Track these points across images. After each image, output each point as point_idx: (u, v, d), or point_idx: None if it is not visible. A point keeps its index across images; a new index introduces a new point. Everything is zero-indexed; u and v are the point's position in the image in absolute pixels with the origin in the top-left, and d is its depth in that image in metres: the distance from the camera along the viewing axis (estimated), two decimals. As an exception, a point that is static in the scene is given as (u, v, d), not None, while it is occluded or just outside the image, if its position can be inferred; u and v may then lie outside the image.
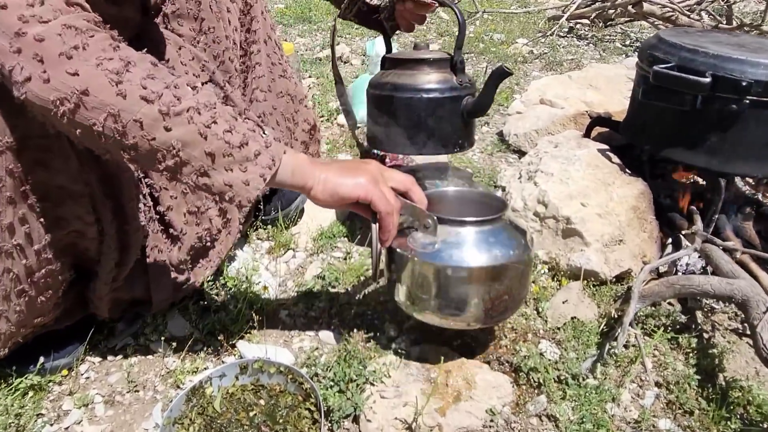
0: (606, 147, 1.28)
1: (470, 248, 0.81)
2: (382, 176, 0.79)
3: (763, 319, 0.78)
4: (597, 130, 1.48)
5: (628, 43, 2.98)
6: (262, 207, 1.23)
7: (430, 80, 1.07)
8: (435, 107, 1.07)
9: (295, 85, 1.22)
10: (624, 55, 2.71)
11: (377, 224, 0.80)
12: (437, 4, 1.08)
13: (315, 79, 2.27)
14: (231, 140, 0.67)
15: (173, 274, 0.96)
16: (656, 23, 2.78)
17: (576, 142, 1.34)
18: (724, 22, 2.64)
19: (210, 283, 1.04)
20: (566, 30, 3.11)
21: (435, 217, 0.81)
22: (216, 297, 1.04)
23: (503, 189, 1.36)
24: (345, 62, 2.52)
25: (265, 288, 1.06)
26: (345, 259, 1.19)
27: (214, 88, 1.02)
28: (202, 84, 0.98)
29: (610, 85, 1.78)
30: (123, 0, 0.82)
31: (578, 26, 3.17)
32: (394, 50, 1.26)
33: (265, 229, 1.26)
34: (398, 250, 0.85)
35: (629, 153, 1.30)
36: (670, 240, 1.17)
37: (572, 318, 0.98)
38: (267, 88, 1.15)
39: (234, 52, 1.07)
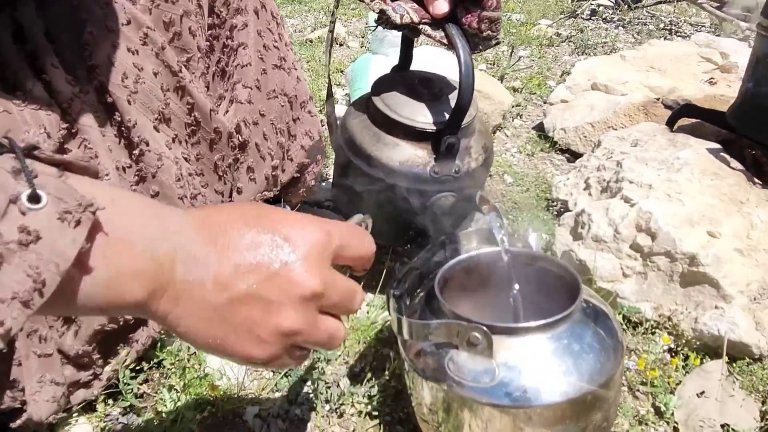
0: (717, 146, 0.90)
1: (548, 370, 0.51)
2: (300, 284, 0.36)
3: None
4: (681, 122, 1.10)
5: (662, 26, 2.61)
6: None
7: (401, 159, 0.72)
8: (392, 195, 0.74)
9: (297, 81, 0.82)
10: (662, 39, 2.34)
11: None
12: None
13: (305, 62, 1.88)
14: None
15: (66, 371, 0.57)
16: (699, 1, 2.41)
17: (666, 139, 0.96)
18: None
19: (130, 371, 0.65)
20: (589, 13, 2.74)
21: (486, 330, 0.49)
22: (142, 391, 0.65)
23: (564, 206, 0.98)
24: (341, 45, 2.13)
25: (208, 379, 0.67)
26: (346, 311, 0.80)
27: (165, 74, 0.63)
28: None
29: (679, 66, 1.40)
30: None
31: (601, 8, 2.81)
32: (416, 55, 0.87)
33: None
34: (429, 381, 0.53)
35: (734, 152, 0.93)
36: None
37: (723, 426, 0.60)
38: (254, 84, 0.75)
39: (198, 20, 0.68)
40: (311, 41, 2.11)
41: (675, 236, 0.72)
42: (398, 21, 0.66)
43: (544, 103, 1.52)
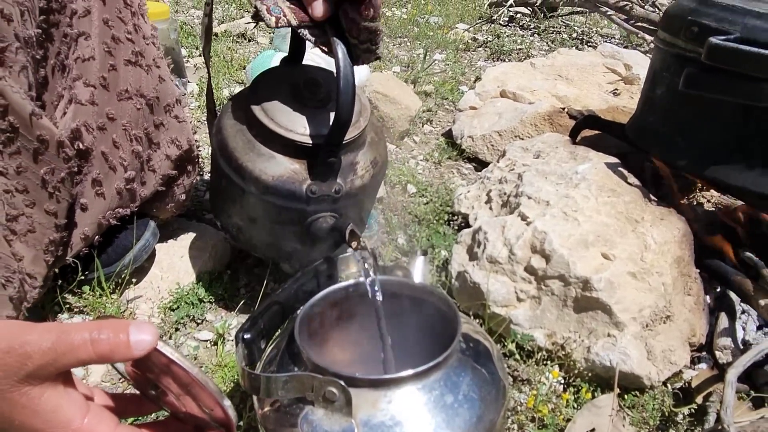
0: (615, 160, 0.88)
1: (415, 428, 0.44)
2: None
3: None
4: (586, 132, 1.08)
5: (574, 36, 2.67)
6: (78, 263, 0.70)
7: (275, 174, 0.64)
8: (269, 212, 0.67)
9: (159, 80, 0.71)
10: (574, 48, 2.39)
11: None
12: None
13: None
14: None
15: None
16: (609, 13, 2.48)
17: (567, 152, 0.92)
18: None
19: None
20: (506, 19, 2.76)
21: (343, 384, 0.42)
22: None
23: (465, 221, 0.92)
24: (249, 40, 2.00)
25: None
26: (216, 344, 0.70)
27: None
28: None
29: (585, 76, 1.40)
30: None
31: (519, 15, 2.85)
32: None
33: (79, 295, 0.73)
34: None
35: (632, 165, 0.91)
36: (708, 298, 0.78)
37: (611, 470, 0.55)
38: (99, 82, 0.63)
39: (24, 3, 0.55)
40: (216, 35, 1.98)
41: (569, 259, 0.67)
42: (272, 24, 0.57)
43: (456, 109, 1.47)
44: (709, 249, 0.82)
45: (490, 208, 0.89)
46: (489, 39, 2.31)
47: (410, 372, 0.45)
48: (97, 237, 0.69)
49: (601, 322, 0.65)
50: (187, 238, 0.83)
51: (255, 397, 0.49)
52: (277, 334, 0.54)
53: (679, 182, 0.93)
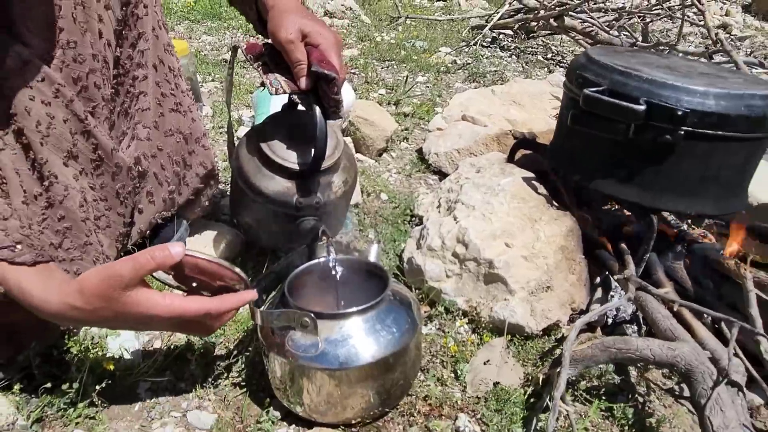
0: (531, 175, 1.16)
1: (356, 343, 0.73)
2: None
3: (711, 397, 0.66)
4: (521, 152, 1.36)
5: (549, 56, 2.95)
6: (135, 249, 0.99)
7: (274, 190, 0.93)
8: (270, 215, 0.97)
9: (192, 121, 0.99)
10: (546, 69, 2.66)
11: None
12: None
13: (218, 83, 2.03)
14: None
15: None
16: (577, 38, 2.76)
17: (500, 168, 1.20)
18: (641, 39, 2.65)
19: (42, 357, 0.81)
20: (489, 40, 3.04)
21: (313, 316, 0.71)
22: (53, 372, 0.81)
23: (420, 221, 1.20)
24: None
25: (110, 359, 0.84)
26: (231, 308, 0.99)
27: (73, 121, 0.79)
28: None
29: (534, 102, 1.68)
30: None
31: (501, 36, 3.12)
32: None
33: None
34: (276, 355, 0.74)
35: (549, 180, 1.19)
36: (598, 279, 1.06)
37: (495, 384, 0.83)
38: (152, 125, 0.92)
39: (104, 73, 0.83)
40: (226, 61, 2.26)
41: (480, 247, 0.96)
42: (273, 93, 0.85)
43: (427, 129, 1.75)
44: (599, 243, 1.10)
45: (439, 212, 1.17)
46: (468, 61, 2.59)
47: (354, 309, 0.73)
48: (147, 231, 0.98)
49: (500, 290, 0.93)
50: (209, 233, 1.11)
51: (259, 327, 0.77)
52: (272, 294, 0.83)
53: (589, 194, 1.20)
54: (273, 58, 0.89)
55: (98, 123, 0.83)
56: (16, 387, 0.77)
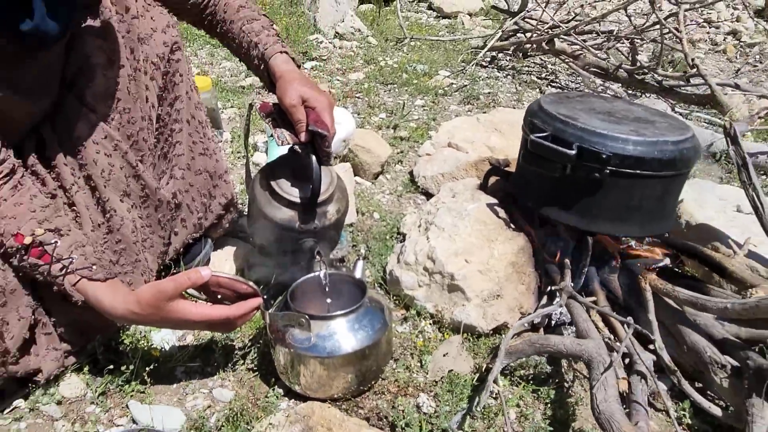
0: (495, 201, 1.39)
1: (340, 338, 0.97)
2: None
3: (599, 380, 0.89)
4: (495, 177, 1.59)
5: (544, 75, 3.16)
6: (172, 264, 1.24)
7: (281, 217, 1.15)
8: (278, 237, 1.18)
9: (216, 162, 1.24)
10: (538, 89, 2.87)
11: None
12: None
13: (237, 109, 2.29)
14: None
15: (62, 345, 0.99)
16: (567, 60, 2.97)
17: (470, 194, 1.44)
18: (630, 62, 2.85)
19: (107, 342, 1.07)
20: (488, 60, 3.25)
21: (308, 317, 0.95)
22: (112, 356, 1.07)
23: (404, 238, 1.44)
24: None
25: (155, 349, 1.09)
26: (247, 310, 1.24)
27: (127, 168, 1.05)
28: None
29: (513, 131, 1.90)
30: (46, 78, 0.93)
31: (500, 56, 3.33)
32: None
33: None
34: (280, 346, 0.98)
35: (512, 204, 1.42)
36: (549, 289, 1.29)
37: (450, 371, 1.07)
38: (186, 167, 1.18)
39: (149, 129, 1.08)
40: (243, 87, 2.52)
41: (445, 262, 1.19)
42: (279, 144, 1.10)
43: (418, 154, 1.99)
44: (548, 259, 1.32)
45: (419, 230, 1.41)
46: (465, 83, 2.81)
47: (339, 312, 0.97)
48: (181, 249, 1.23)
49: (459, 298, 1.17)
50: (230, 248, 1.37)
51: (267, 325, 1.01)
52: (278, 299, 1.07)
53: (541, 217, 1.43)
54: (280, 115, 1.14)
55: (145, 168, 1.08)
56: (86, 368, 1.03)
